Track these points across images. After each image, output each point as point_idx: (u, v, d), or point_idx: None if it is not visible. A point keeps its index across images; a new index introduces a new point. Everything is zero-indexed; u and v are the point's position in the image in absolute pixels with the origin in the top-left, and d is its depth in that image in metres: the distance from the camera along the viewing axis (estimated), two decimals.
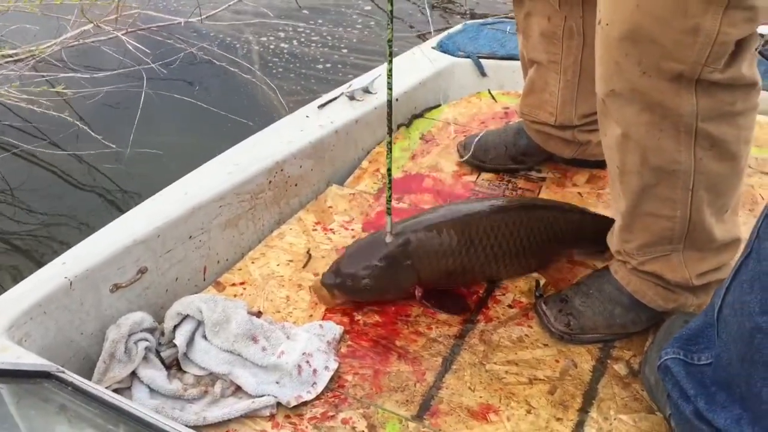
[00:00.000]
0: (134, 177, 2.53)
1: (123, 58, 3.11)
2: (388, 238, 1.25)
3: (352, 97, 1.69)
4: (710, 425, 0.90)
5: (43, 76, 2.98)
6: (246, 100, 3.05)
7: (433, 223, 1.27)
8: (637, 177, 1.07)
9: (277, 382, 1.11)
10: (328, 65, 3.31)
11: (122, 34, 3.09)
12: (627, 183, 1.09)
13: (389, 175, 1.23)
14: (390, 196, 1.23)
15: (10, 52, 3.00)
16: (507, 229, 1.29)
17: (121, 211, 2.37)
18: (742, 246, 1.17)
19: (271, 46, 3.48)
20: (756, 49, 0.99)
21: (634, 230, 1.13)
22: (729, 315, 0.87)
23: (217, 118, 2.83)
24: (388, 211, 1.24)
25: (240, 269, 1.36)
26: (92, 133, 2.62)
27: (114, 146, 2.57)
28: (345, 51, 3.44)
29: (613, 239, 1.20)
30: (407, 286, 1.27)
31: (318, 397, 1.11)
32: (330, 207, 1.51)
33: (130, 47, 3.05)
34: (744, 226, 1.42)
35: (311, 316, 1.26)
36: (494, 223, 1.28)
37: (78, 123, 2.69)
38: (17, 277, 2.06)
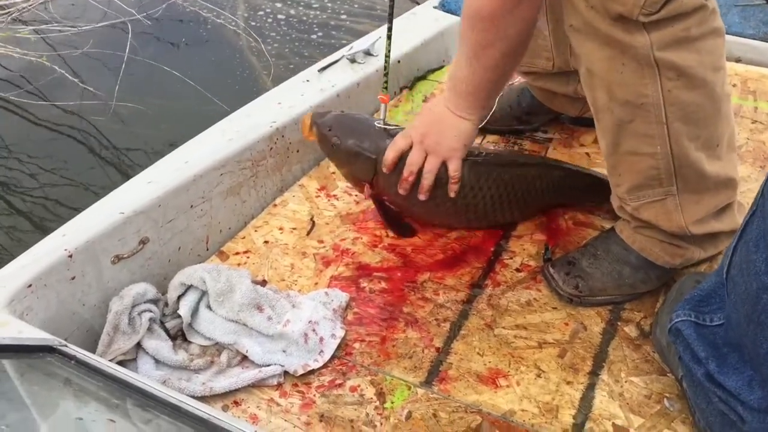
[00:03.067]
0: (121, 131, 2.53)
1: (108, 9, 3.09)
2: (377, 124, 1.29)
3: (353, 60, 1.65)
4: (721, 387, 0.89)
5: (32, 28, 2.97)
6: (231, 54, 3.04)
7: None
8: (608, 113, 1.06)
9: (283, 351, 1.10)
10: (316, 27, 3.27)
11: None
12: (602, 121, 1.09)
13: (387, 60, 1.29)
14: (387, 79, 1.29)
15: None
16: (482, 185, 1.27)
17: (108, 165, 2.38)
18: (742, 187, 1.15)
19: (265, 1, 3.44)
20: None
21: (621, 171, 1.12)
22: (736, 275, 0.86)
23: (202, 71, 2.82)
24: (385, 90, 1.29)
25: (243, 238, 1.35)
26: (79, 85, 2.63)
27: (99, 99, 2.57)
28: (340, 14, 3.39)
29: (612, 194, 1.19)
30: (360, 177, 1.30)
31: (325, 366, 1.10)
32: (333, 173, 1.49)
33: None
34: (756, 183, 1.40)
35: (316, 284, 1.24)
36: (476, 175, 1.26)
37: (69, 75, 2.68)
38: (4, 234, 2.08)
